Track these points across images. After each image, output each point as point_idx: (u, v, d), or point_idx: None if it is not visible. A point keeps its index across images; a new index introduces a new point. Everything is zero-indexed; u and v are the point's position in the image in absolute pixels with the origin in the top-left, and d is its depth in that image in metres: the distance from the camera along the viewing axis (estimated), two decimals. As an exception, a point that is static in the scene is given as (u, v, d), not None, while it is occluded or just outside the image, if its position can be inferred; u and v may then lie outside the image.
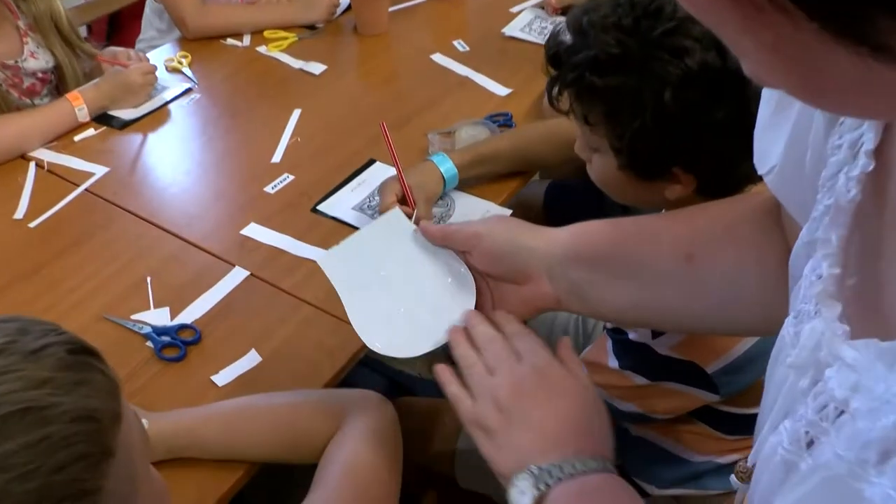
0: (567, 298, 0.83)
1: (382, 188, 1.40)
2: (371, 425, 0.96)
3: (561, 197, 1.85)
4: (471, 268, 0.88)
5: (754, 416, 0.62)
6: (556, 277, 0.82)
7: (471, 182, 1.48)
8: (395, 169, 1.34)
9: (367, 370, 1.66)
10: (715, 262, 0.76)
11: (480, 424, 0.74)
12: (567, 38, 1.00)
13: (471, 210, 1.45)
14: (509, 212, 1.36)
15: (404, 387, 1.80)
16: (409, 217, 1.32)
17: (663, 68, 0.94)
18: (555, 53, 1.04)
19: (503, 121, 1.65)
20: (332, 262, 0.91)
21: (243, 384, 1.15)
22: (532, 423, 0.71)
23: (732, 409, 1.12)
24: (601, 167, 1.09)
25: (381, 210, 1.38)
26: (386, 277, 0.92)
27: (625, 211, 1.69)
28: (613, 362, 1.10)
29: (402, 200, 1.36)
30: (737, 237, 0.77)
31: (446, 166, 1.41)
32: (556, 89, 1.05)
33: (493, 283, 0.88)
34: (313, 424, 0.98)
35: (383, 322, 0.90)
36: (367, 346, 0.89)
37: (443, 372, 0.80)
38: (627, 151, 1.01)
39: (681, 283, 0.77)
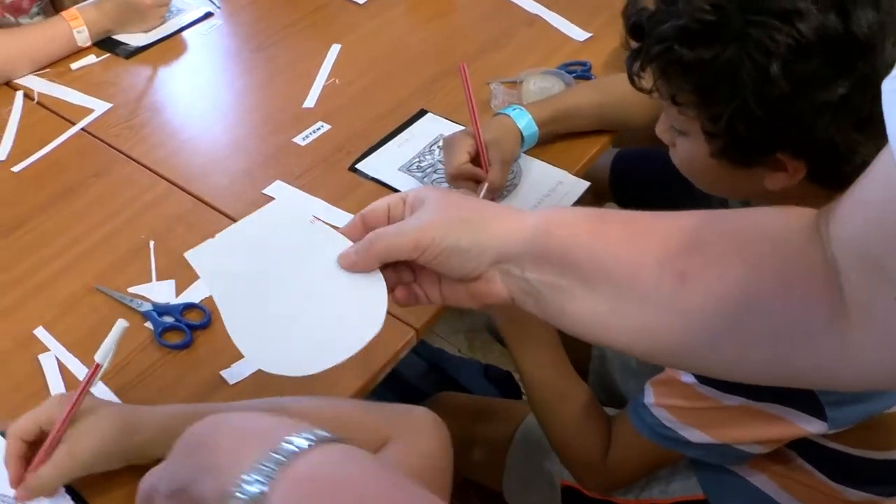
0: (522, 299, 0.76)
1: (450, 145, 1.25)
2: (419, 450, 0.87)
3: (631, 169, 1.75)
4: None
5: (881, 462, 0.49)
6: (510, 277, 0.75)
7: (543, 143, 1.34)
8: (471, 122, 1.22)
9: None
10: (713, 285, 0.67)
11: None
12: (649, 4, 0.94)
13: (540, 180, 1.32)
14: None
15: (446, 373, 1.70)
16: (481, 183, 1.20)
17: (769, 36, 0.84)
18: (635, 23, 0.95)
19: (580, 72, 1.51)
20: (206, 257, 0.80)
21: (259, 383, 1.02)
22: (209, 453, 0.60)
23: (845, 448, 1.00)
24: (688, 153, 1.00)
25: (449, 174, 1.24)
26: (275, 277, 0.80)
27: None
28: (688, 376, 0.99)
29: (475, 160, 1.23)
30: (749, 257, 0.67)
31: (525, 121, 1.28)
32: (637, 64, 0.96)
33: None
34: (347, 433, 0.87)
35: (271, 334, 0.78)
36: (253, 364, 0.77)
37: None
38: (724, 136, 0.92)
39: (668, 306, 0.69)
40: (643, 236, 0.72)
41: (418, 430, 0.89)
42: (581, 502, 1.22)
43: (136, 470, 0.90)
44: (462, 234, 0.74)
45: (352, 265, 0.78)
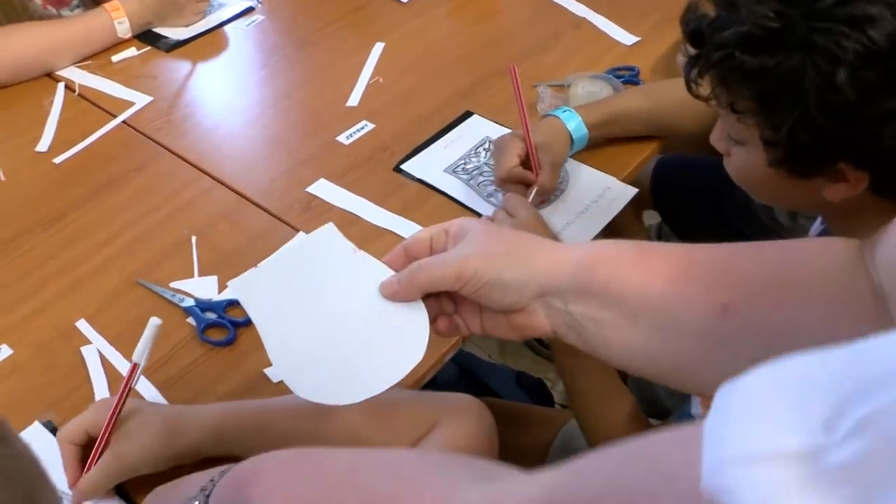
0: (564, 332, 0.77)
1: (499, 148, 1.25)
2: (465, 433, 0.88)
3: (672, 176, 1.72)
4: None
5: None
6: (553, 310, 0.76)
7: (590, 148, 1.33)
8: (521, 124, 1.22)
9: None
10: (757, 318, 0.68)
11: None
12: (708, 9, 0.93)
13: (588, 186, 1.31)
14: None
15: (477, 379, 1.70)
16: (531, 187, 1.20)
17: (836, 43, 0.83)
18: (695, 29, 0.94)
19: (628, 77, 1.50)
20: (249, 286, 0.82)
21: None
22: None
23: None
24: (744, 163, 0.99)
25: (499, 178, 1.24)
26: (317, 306, 0.81)
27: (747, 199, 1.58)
28: None
29: (525, 163, 1.22)
30: (793, 290, 0.68)
31: (575, 123, 1.27)
32: (695, 71, 0.95)
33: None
34: (397, 422, 0.89)
35: (313, 361, 0.79)
36: (294, 392, 0.77)
37: None
38: (784, 145, 0.91)
39: (710, 338, 0.70)
40: (685, 269, 0.73)
41: (463, 415, 0.90)
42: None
43: (184, 470, 0.91)
44: (505, 267, 0.75)
45: (393, 294, 0.80)
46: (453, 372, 1.70)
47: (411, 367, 0.78)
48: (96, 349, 1.07)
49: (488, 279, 0.75)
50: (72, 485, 0.87)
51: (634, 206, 1.79)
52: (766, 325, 0.67)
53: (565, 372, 1.14)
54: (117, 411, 0.87)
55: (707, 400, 1.00)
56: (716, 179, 1.31)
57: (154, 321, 0.85)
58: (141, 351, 0.86)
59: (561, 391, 1.90)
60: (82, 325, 1.10)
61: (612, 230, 1.73)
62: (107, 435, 0.87)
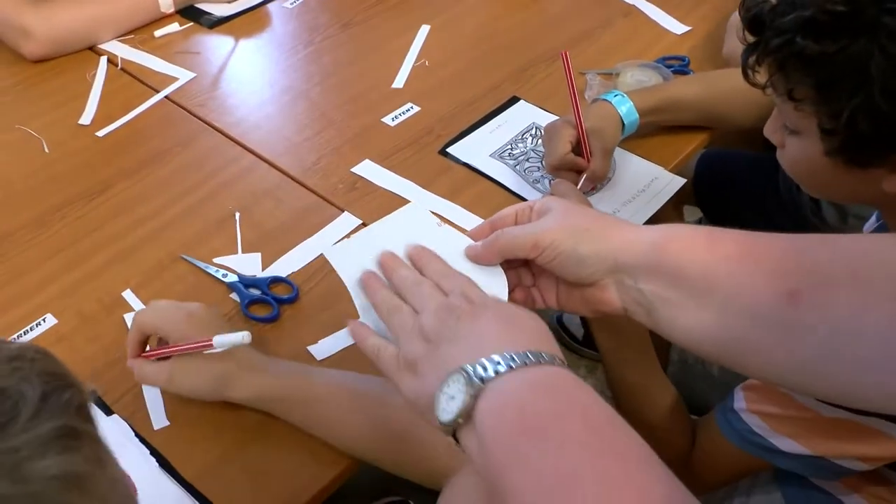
0: (634, 309, 0.81)
1: (550, 135, 1.26)
2: None
3: (714, 170, 1.72)
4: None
5: None
6: (624, 287, 0.80)
7: (639, 137, 1.34)
8: (572, 111, 1.23)
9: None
10: (826, 305, 0.69)
11: (404, 363, 0.71)
12: None
13: (635, 175, 1.32)
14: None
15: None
16: (582, 173, 1.21)
17: None
18: (756, 15, 0.94)
19: (678, 66, 1.50)
20: (342, 255, 0.88)
21: (347, 361, 1.04)
22: (461, 335, 0.68)
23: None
24: (799, 153, 0.99)
25: (551, 165, 1.26)
26: None
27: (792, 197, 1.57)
28: (804, 397, 0.97)
29: (576, 149, 1.23)
30: (864, 284, 0.69)
31: (626, 108, 1.27)
32: (754, 58, 0.95)
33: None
34: (430, 437, 0.89)
35: None
36: None
37: (357, 328, 0.79)
38: (843, 133, 0.90)
39: (776, 323, 0.71)
40: (755, 254, 0.75)
41: None
42: (657, 508, 1.21)
43: (219, 437, 0.95)
44: (582, 241, 0.79)
45: (475, 256, 0.85)
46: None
47: None
48: (140, 318, 1.09)
49: (563, 249, 0.79)
50: (131, 356, 0.97)
51: (675, 200, 1.79)
52: (834, 315, 0.69)
53: (607, 360, 1.15)
54: (173, 354, 0.94)
55: (755, 392, 1.01)
56: (760, 176, 1.32)
57: (246, 335, 0.89)
58: (222, 343, 0.90)
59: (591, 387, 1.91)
60: (127, 296, 1.12)
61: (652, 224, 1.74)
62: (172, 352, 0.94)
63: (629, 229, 0.80)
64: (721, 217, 1.84)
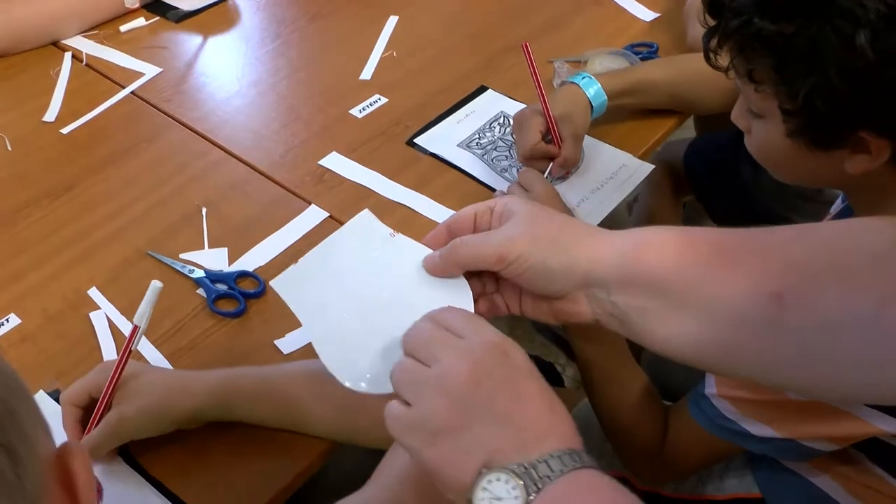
0: (607, 321, 0.77)
1: (520, 125, 1.28)
2: None
3: (705, 155, 1.72)
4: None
5: None
6: (596, 299, 0.77)
7: (606, 123, 1.36)
8: (538, 99, 1.24)
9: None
10: (810, 303, 0.68)
11: (423, 428, 0.64)
12: None
13: (604, 163, 1.33)
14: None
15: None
16: (543, 172, 1.23)
17: (858, 3, 0.84)
18: None
19: (646, 53, 1.52)
20: (291, 283, 0.83)
21: (313, 353, 1.04)
22: (498, 412, 0.63)
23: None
24: (763, 136, 1.00)
25: (523, 156, 1.27)
26: (360, 295, 0.82)
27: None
28: None
29: (546, 137, 1.25)
30: (845, 275, 0.69)
31: (594, 90, 1.28)
32: (714, 41, 0.97)
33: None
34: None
35: (359, 352, 0.79)
36: (343, 384, 0.77)
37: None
38: (802, 113, 0.91)
39: (763, 327, 0.70)
40: (734, 256, 0.73)
41: None
42: (630, 493, 1.23)
43: (188, 435, 0.95)
44: (550, 255, 0.75)
45: (434, 269, 0.81)
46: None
47: None
48: (104, 314, 1.11)
49: (532, 264, 0.75)
50: (75, 439, 0.90)
51: (673, 190, 1.81)
52: (819, 311, 0.68)
53: (578, 352, 1.16)
54: (118, 374, 0.91)
55: (724, 377, 1.02)
56: (748, 160, 1.33)
57: (155, 284, 0.89)
58: (141, 313, 0.90)
59: (571, 376, 1.93)
60: (93, 293, 1.14)
61: (649, 219, 1.76)
62: (108, 397, 0.91)
63: (598, 238, 0.77)
64: (715, 203, 1.85)
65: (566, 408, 0.66)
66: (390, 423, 0.67)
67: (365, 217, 0.88)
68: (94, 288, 1.14)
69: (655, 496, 1.20)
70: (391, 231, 0.86)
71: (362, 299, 0.82)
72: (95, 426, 0.91)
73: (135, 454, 0.95)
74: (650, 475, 1.18)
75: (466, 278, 0.81)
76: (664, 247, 0.75)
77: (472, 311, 0.79)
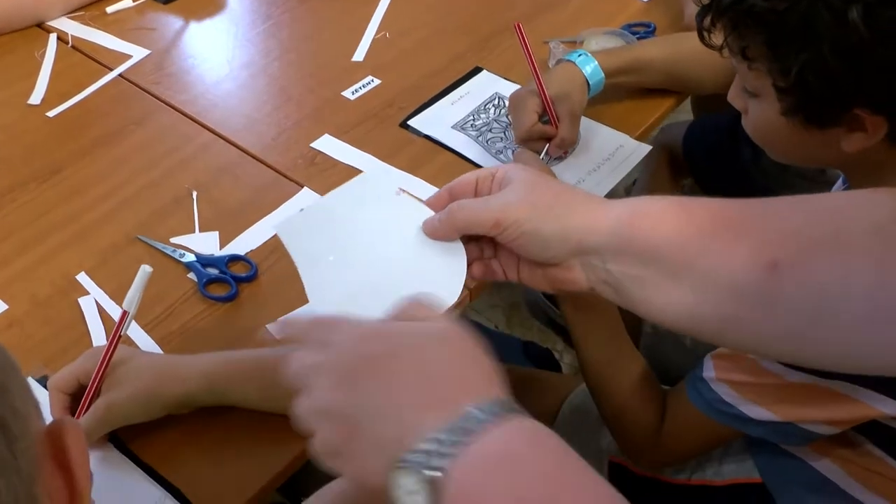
0: (602, 289, 0.79)
1: (515, 106, 1.27)
2: None
3: (704, 138, 1.71)
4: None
5: None
6: (591, 267, 0.78)
7: (603, 103, 1.36)
8: (534, 81, 1.23)
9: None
10: (808, 272, 0.69)
11: (327, 454, 0.62)
12: None
13: (600, 144, 1.33)
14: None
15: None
16: (540, 153, 1.22)
17: None
18: None
19: (643, 33, 1.52)
20: (293, 230, 0.86)
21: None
22: (375, 403, 0.59)
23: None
24: (759, 115, 1.00)
25: (519, 138, 1.27)
26: (359, 249, 0.85)
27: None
28: (773, 364, 0.98)
29: (542, 118, 1.25)
30: (845, 244, 0.69)
31: (591, 67, 1.28)
32: (708, 19, 0.97)
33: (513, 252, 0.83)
34: None
35: (351, 304, 0.79)
36: None
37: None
38: (795, 90, 0.91)
39: (759, 296, 0.70)
40: (730, 225, 0.74)
41: None
42: (629, 480, 1.22)
43: (179, 420, 0.94)
44: (545, 221, 0.77)
45: (433, 231, 0.83)
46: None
47: (445, 309, 0.81)
48: (94, 300, 1.10)
49: (526, 230, 0.77)
50: None
51: (672, 173, 1.80)
52: (817, 281, 0.68)
53: (576, 337, 1.16)
54: (107, 359, 0.90)
55: (724, 360, 1.02)
56: (747, 142, 1.32)
57: (145, 269, 0.89)
58: (131, 298, 0.89)
59: (569, 362, 1.93)
60: (82, 279, 1.13)
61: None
62: (97, 383, 0.90)
63: (594, 206, 0.78)
64: (715, 186, 1.84)
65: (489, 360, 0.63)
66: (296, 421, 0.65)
67: (373, 173, 0.89)
68: (82, 273, 1.13)
69: (654, 481, 1.20)
70: (397, 189, 0.88)
71: (360, 253, 0.84)
72: (84, 413, 0.90)
73: (125, 440, 0.94)
74: (648, 460, 1.18)
75: (465, 242, 0.83)
76: (661, 215, 0.75)
77: (465, 273, 0.82)
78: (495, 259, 0.86)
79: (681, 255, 0.73)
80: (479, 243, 0.86)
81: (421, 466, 0.54)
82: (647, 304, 0.76)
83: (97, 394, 0.91)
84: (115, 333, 0.90)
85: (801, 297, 0.69)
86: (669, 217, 0.75)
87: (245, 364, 0.95)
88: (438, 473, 0.54)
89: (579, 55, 1.29)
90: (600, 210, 0.77)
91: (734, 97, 1.05)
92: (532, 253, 0.79)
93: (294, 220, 0.88)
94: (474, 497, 0.53)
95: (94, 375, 0.90)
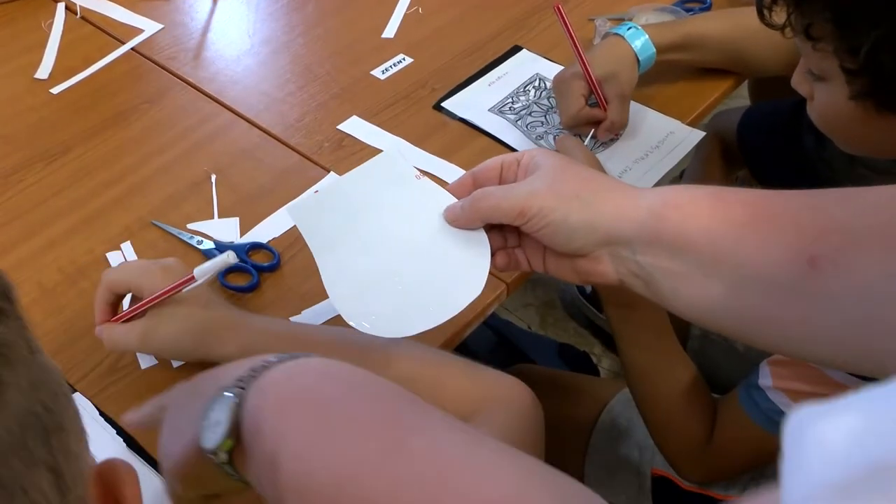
0: (631, 281, 0.80)
1: (560, 91, 1.28)
2: (514, 427, 0.87)
3: (762, 125, 1.70)
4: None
5: None
6: (620, 258, 0.80)
7: (652, 83, 1.36)
8: (577, 61, 1.24)
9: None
10: (852, 269, 0.68)
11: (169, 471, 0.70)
12: None
13: (648, 130, 1.33)
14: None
15: (517, 348, 1.73)
16: (584, 138, 1.23)
17: None
18: None
19: (698, 10, 1.51)
20: (307, 212, 0.88)
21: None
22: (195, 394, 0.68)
23: None
24: (826, 101, 1.01)
25: (565, 122, 1.28)
26: (376, 234, 0.87)
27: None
28: (837, 372, 0.98)
29: (590, 101, 1.26)
30: (892, 236, 0.68)
31: (641, 42, 1.27)
32: None
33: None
34: (443, 398, 0.88)
35: (369, 291, 0.84)
36: (348, 321, 0.82)
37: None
38: (866, 72, 0.92)
39: (795, 292, 0.70)
40: (768, 217, 0.74)
41: (513, 408, 0.89)
42: (674, 494, 1.22)
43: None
44: (572, 211, 0.78)
45: (455, 219, 0.85)
46: (491, 340, 1.74)
47: (468, 303, 0.83)
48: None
49: (552, 220, 0.78)
50: (98, 323, 0.97)
51: (724, 164, 1.79)
52: (861, 279, 0.67)
53: (619, 338, 1.17)
54: (157, 300, 0.93)
55: (783, 367, 1.02)
56: (810, 130, 1.31)
57: (230, 255, 0.90)
58: (204, 270, 0.91)
59: (607, 368, 1.94)
60: (92, 265, 1.14)
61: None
62: (144, 307, 0.94)
63: (624, 195, 0.80)
64: (778, 180, 1.83)
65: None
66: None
67: (389, 154, 0.90)
68: (93, 260, 1.15)
69: (703, 497, 1.20)
70: (417, 173, 0.89)
71: (377, 238, 0.86)
72: (124, 323, 0.96)
73: (136, 436, 0.96)
74: (697, 474, 1.18)
75: (488, 231, 0.85)
76: (695, 206, 0.76)
77: (488, 264, 0.84)
78: (520, 248, 0.88)
79: (714, 247, 0.74)
80: (502, 232, 0.87)
81: (224, 401, 0.61)
82: (677, 297, 0.78)
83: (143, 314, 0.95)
84: (174, 287, 0.92)
85: (843, 295, 0.68)
86: (703, 207, 0.76)
87: (289, 345, 0.95)
88: (232, 396, 0.60)
89: (629, 28, 1.29)
90: (630, 199, 0.79)
91: (798, 82, 1.05)
92: (558, 243, 0.81)
93: (308, 202, 0.89)
94: (267, 412, 0.59)
95: (142, 302, 0.94)
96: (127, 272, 0.97)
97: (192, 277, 0.91)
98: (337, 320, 1.05)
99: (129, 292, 0.97)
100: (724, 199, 0.76)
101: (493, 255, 0.86)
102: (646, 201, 0.78)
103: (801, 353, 0.82)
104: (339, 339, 0.94)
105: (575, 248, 0.80)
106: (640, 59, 1.28)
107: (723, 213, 0.75)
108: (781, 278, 0.71)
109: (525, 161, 0.83)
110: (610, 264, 0.80)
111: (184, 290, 0.92)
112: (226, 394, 0.61)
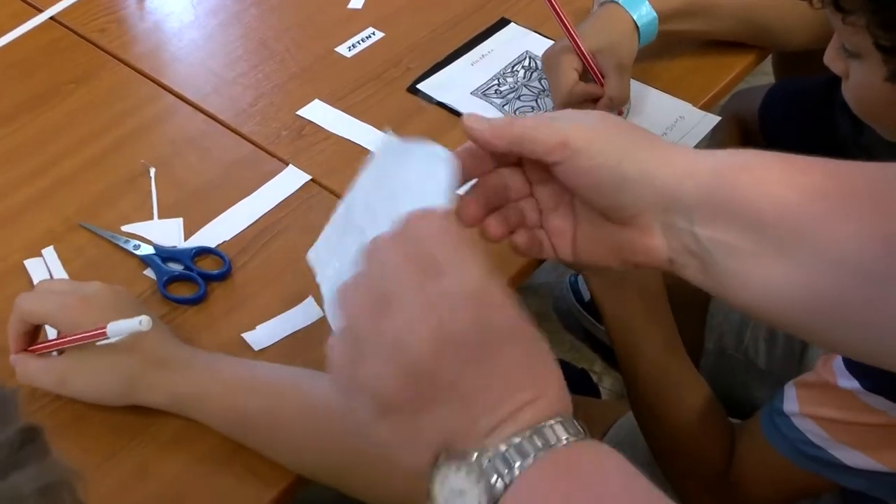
0: (684, 261, 0.76)
1: (550, 66, 1.27)
2: None
3: (789, 106, 1.69)
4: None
5: None
6: (673, 230, 0.75)
7: (658, 59, 1.35)
8: (565, 37, 1.22)
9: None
10: None
11: (369, 395, 0.63)
12: None
13: (653, 114, 1.33)
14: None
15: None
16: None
17: None
18: None
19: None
20: (320, 257, 0.88)
21: (292, 351, 1.05)
22: (462, 390, 0.61)
23: None
24: (860, 81, 1.01)
25: (557, 102, 1.26)
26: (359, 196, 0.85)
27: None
28: (848, 381, 0.97)
29: (585, 76, 1.24)
30: None
31: (641, 10, 1.25)
32: None
33: (577, 206, 0.81)
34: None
35: (338, 245, 0.85)
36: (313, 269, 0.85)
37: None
38: None
39: (874, 276, 0.68)
40: (849, 189, 0.72)
41: None
42: (685, 535, 1.22)
43: (130, 451, 0.97)
44: (627, 155, 0.74)
45: (476, 133, 0.77)
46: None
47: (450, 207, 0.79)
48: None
49: (601, 162, 0.73)
50: (14, 352, 0.97)
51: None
52: None
53: (620, 345, 1.16)
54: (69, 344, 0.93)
55: (811, 390, 1.01)
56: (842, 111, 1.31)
57: (145, 319, 0.88)
58: (119, 330, 0.89)
59: (609, 387, 1.94)
60: (7, 278, 1.12)
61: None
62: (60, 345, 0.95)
63: (683, 153, 0.76)
64: None
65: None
66: (332, 375, 0.66)
67: (384, 145, 0.86)
68: (7, 268, 1.13)
69: (720, 536, 1.19)
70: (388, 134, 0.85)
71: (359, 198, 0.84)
72: (40, 358, 0.97)
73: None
74: None
75: (500, 210, 0.80)
76: (767, 171, 0.74)
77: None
78: (541, 228, 0.83)
79: (790, 221, 0.71)
80: (519, 205, 0.82)
81: (488, 470, 0.58)
82: (744, 282, 0.74)
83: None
84: (80, 338, 0.92)
85: None
86: (777, 175, 0.73)
87: (229, 385, 0.96)
88: (505, 481, 0.58)
89: None
90: (690, 157, 0.75)
91: (832, 59, 1.04)
92: (603, 195, 0.75)
93: (322, 242, 0.88)
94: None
95: (57, 340, 0.95)
96: (42, 303, 0.96)
97: (104, 332, 0.89)
98: (298, 336, 1.05)
99: (45, 324, 0.97)
100: (799, 166, 0.73)
101: (511, 232, 0.81)
102: (709, 161, 0.75)
103: (869, 350, 0.78)
104: (293, 384, 0.94)
105: (622, 204, 0.75)
106: (639, 26, 1.26)
107: (799, 181, 0.72)
108: (870, 262, 0.68)
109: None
110: (661, 237, 0.76)
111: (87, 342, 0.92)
112: (485, 467, 0.59)
